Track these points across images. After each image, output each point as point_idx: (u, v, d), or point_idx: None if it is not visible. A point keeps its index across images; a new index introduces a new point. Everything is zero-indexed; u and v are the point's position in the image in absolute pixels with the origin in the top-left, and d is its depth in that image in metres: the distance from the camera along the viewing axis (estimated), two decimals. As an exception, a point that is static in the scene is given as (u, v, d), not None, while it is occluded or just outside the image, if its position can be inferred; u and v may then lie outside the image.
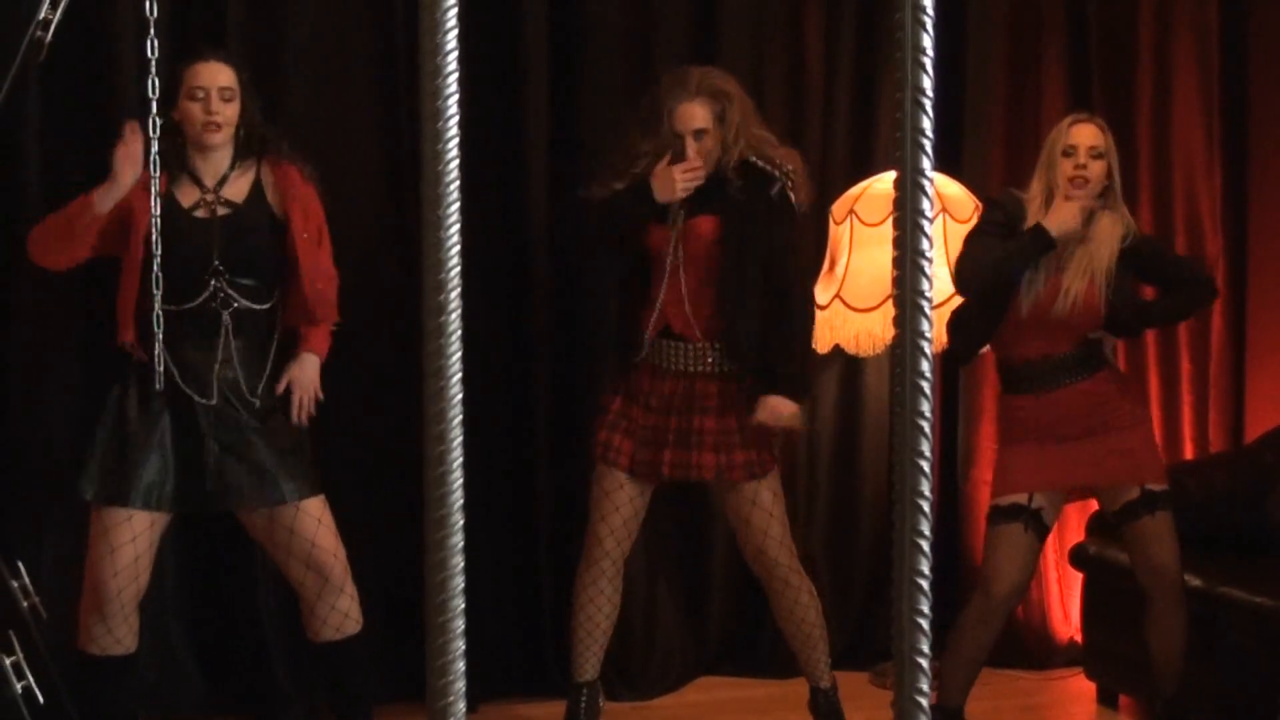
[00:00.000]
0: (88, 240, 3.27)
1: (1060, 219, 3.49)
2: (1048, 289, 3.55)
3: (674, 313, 3.65)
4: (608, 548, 3.70)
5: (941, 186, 4.16)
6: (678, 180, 3.54)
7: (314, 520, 3.40)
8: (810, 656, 3.74)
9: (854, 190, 4.31)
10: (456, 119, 1.26)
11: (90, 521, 3.35)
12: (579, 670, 3.80)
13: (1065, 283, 3.54)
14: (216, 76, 3.33)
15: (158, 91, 2.99)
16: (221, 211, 3.34)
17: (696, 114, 3.59)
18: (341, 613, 3.46)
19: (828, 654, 3.75)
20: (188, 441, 3.30)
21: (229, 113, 3.33)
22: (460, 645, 1.28)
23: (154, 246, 3.02)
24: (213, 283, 3.30)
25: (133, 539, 3.29)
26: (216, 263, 3.30)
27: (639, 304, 3.71)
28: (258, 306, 3.37)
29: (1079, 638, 4.39)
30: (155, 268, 3.05)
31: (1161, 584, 3.61)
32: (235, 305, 3.33)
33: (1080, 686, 4.25)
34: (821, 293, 4.35)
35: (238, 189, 3.39)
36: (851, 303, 4.22)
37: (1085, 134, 3.57)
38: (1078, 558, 4.26)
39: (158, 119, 2.98)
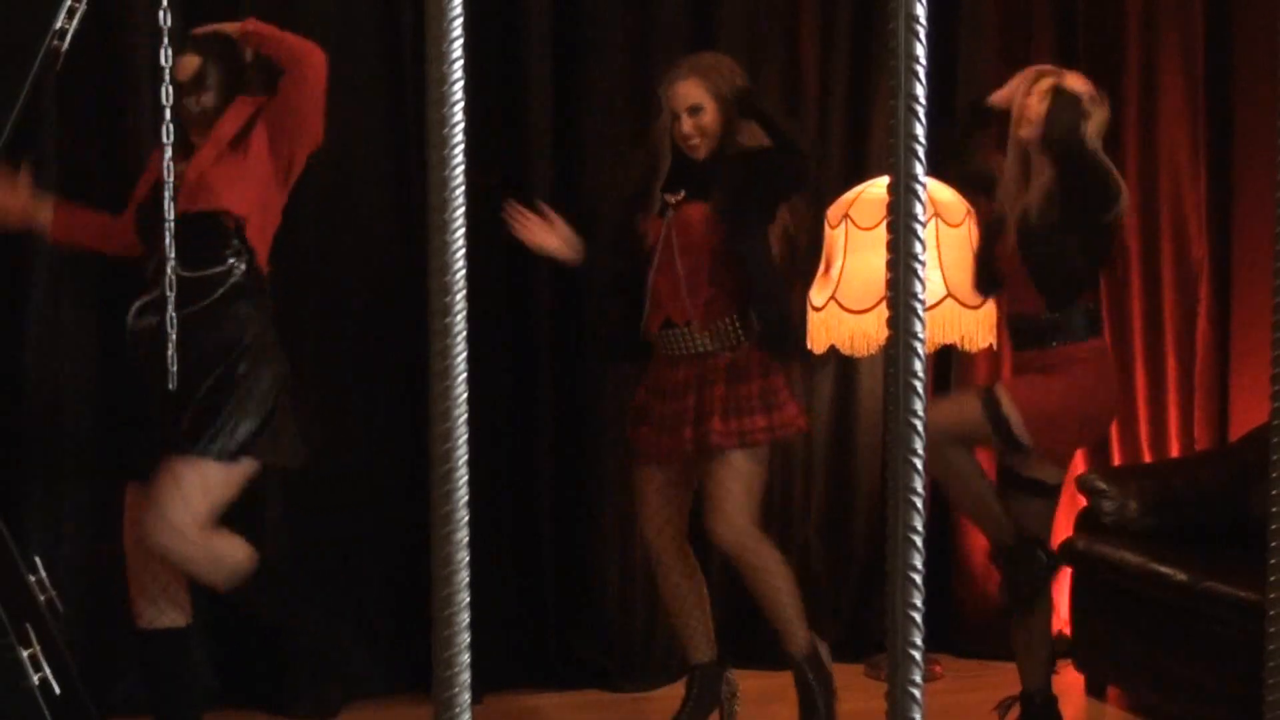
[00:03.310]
0: None
1: None
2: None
3: (671, 303, 3.66)
4: (650, 541, 3.76)
5: (934, 191, 4.22)
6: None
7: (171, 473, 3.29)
8: (776, 620, 3.69)
9: (849, 195, 4.37)
10: (461, 125, 1.26)
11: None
12: (688, 653, 3.82)
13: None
14: (185, 69, 3.34)
15: (171, 99, 3.05)
16: None
17: (690, 91, 3.61)
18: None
19: (800, 619, 3.68)
20: (165, 405, 3.29)
21: (206, 101, 3.35)
22: (465, 638, 1.29)
23: (168, 250, 3.07)
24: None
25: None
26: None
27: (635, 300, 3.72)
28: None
29: (1068, 630, 4.46)
30: (169, 270, 3.11)
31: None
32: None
33: (1069, 678, 4.30)
34: (817, 294, 4.41)
35: None
36: (846, 304, 4.28)
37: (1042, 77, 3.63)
38: (1066, 552, 4.32)
39: (170, 125, 3.05)
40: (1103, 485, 4.29)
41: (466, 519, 1.30)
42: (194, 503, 3.25)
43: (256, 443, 3.30)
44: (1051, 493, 3.69)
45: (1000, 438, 3.61)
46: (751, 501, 3.64)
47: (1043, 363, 3.61)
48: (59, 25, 2.88)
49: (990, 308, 4.31)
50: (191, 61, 3.35)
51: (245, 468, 3.32)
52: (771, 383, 3.64)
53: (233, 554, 3.34)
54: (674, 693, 4.02)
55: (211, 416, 3.26)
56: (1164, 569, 3.94)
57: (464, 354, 1.28)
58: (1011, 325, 3.77)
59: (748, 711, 3.83)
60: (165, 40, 3.01)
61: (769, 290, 3.64)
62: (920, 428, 1.37)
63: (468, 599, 1.30)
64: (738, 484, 3.60)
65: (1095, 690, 4.31)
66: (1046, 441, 3.61)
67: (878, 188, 4.26)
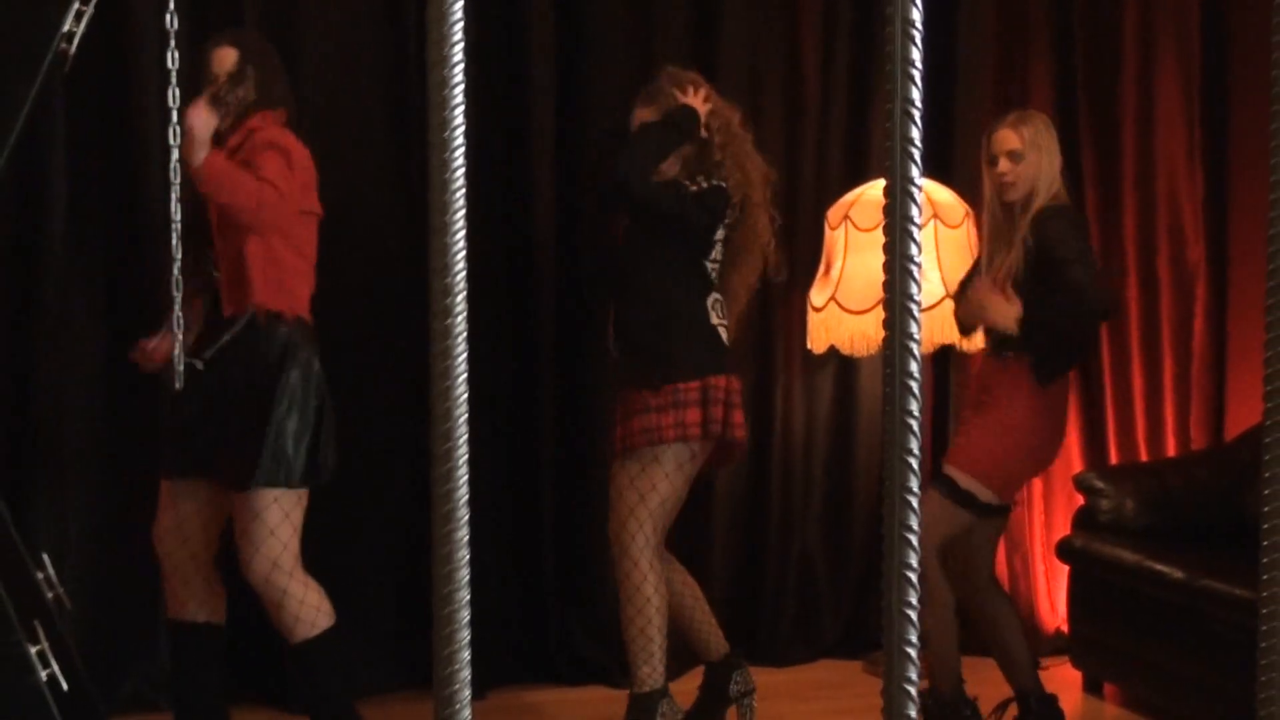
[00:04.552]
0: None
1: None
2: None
3: None
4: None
5: (933, 193, 4.25)
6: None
7: (248, 512, 3.34)
8: (627, 654, 3.68)
9: (848, 196, 4.40)
10: (462, 127, 1.28)
11: None
12: (701, 652, 3.88)
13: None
14: (225, 61, 3.37)
15: (178, 101, 3.07)
16: None
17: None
18: (291, 617, 3.39)
19: (646, 660, 3.65)
20: (190, 409, 3.37)
21: (245, 95, 3.37)
22: (465, 635, 1.31)
23: (175, 250, 3.10)
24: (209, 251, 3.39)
25: (173, 504, 3.42)
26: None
27: None
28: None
29: (1065, 628, 4.49)
30: (176, 270, 3.13)
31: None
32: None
33: (1067, 675, 4.34)
34: (817, 295, 4.45)
35: None
36: (846, 305, 4.32)
37: (1001, 141, 3.65)
38: (1064, 550, 4.35)
39: (178, 127, 3.08)
40: (1100, 484, 4.32)
41: (467, 518, 1.31)
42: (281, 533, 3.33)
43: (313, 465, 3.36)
44: (996, 512, 3.72)
45: (975, 512, 3.66)
46: (639, 512, 3.65)
47: (997, 384, 3.65)
48: (66, 28, 2.91)
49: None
50: (230, 54, 3.38)
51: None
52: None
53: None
54: (673, 689, 4.05)
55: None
56: (1161, 567, 3.97)
57: (464, 354, 1.30)
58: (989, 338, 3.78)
59: (760, 707, 3.86)
60: (172, 43, 3.03)
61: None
62: (916, 427, 1.40)
63: (468, 597, 1.32)
64: (630, 491, 3.65)
65: (1092, 687, 4.34)
66: (998, 489, 3.68)
67: (877, 189, 4.29)
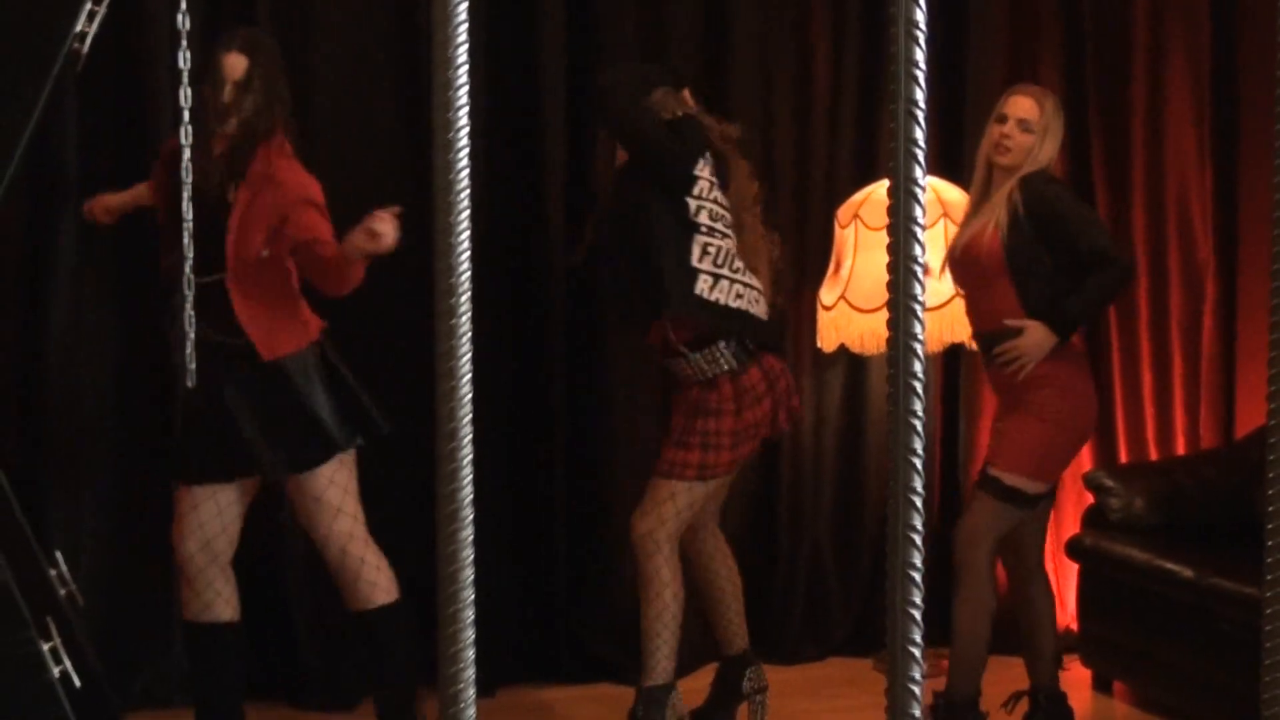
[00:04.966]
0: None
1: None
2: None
3: None
4: (689, 538, 3.87)
5: (943, 192, 4.25)
6: None
7: (308, 498, 3.51)
8: (642, 646, 3.71)
9: (858, 195, 4.40)
10: (466, 128, 1.31)
11: None
12: (723, 644, 3.94)
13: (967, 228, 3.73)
14: (235, 69, 3.40)
15: (191, 101, 3.09)
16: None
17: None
18: (369, 583, 3.54)
19: (662, 654, 3.70)
20: (224, 412, 3.43)
21: (249, 104, 3.40)
22: (470, 634, 1.33)
23: (186, 250, 3.11)
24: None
25: (195, 510, 3.46)
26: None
27: None
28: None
29: (1075, 626, 4.50)
30: (187, 269, 3.15)
31: (959, 549, 3.64)
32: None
33: (1076, 673, 4.34)
34: (827, 293, 4.45)
35: None
36: (856, 303, 4.32)
37: (1018, 105, 3.67)
38: (1074, 549, 4.36)
39: (190, 127, 3.09)
40: (1109, 483, 4.32)
41: (471, 517, 1.33)
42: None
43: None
44: (1031, 501, 3.73)
45: (1024, 506, 3.68)
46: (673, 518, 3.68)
47: (1016, 385, 3.65)
48: (79, 28, 2.92)
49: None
50: (240, 62, 3.40)
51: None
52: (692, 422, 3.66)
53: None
54: (685, 686, 4.06)
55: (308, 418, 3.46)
56: (1170, 565, 3.98)
57: (469, 353, 1.31)
58: (980, 342, 3.80)
59: (770, 705, 3.87)
60: (184, 43, 3.04)
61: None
62: (919, 427, 1.41)
63: (472, 596, 1.34)
64: (670, 502, 3.70)
65: (1101, 685, 4.35)
66: (1048, 478, 3.72)
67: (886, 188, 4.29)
